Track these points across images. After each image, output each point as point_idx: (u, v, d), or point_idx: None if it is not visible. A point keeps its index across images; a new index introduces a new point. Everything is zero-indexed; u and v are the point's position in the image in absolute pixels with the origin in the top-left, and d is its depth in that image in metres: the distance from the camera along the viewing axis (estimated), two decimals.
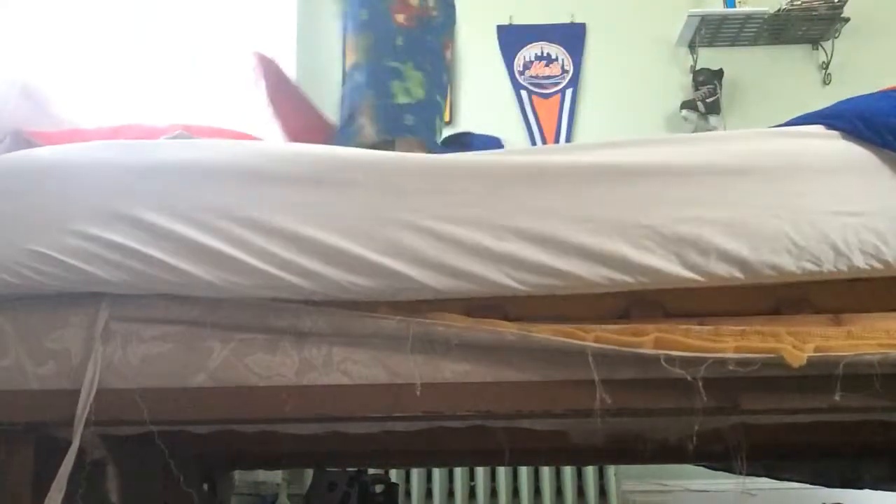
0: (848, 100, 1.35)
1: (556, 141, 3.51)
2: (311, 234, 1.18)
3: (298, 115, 1.88)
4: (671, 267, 1.19)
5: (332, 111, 1.90)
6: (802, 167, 1.25)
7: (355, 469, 2.18)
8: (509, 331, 1.18)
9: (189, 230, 1.19)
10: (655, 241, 1.19)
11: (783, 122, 1.42)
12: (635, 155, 1.25)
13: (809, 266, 1.20)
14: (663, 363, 1.13)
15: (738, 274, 1.20)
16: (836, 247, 1.20)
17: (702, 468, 2.40)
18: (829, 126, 1.28)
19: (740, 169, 1.24)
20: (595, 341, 1.16)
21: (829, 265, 1.20)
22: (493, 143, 1.92)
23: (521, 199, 1.21)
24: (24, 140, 1.39)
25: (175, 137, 1.39)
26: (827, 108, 1.34)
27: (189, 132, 1.43)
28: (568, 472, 2.90)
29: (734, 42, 3.60)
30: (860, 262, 1.21)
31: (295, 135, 1.83)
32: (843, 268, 1.21)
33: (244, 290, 1.20)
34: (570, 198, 1.21)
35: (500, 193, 1.22)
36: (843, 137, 1.27)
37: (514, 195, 1.22)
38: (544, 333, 1.17)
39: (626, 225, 1.20)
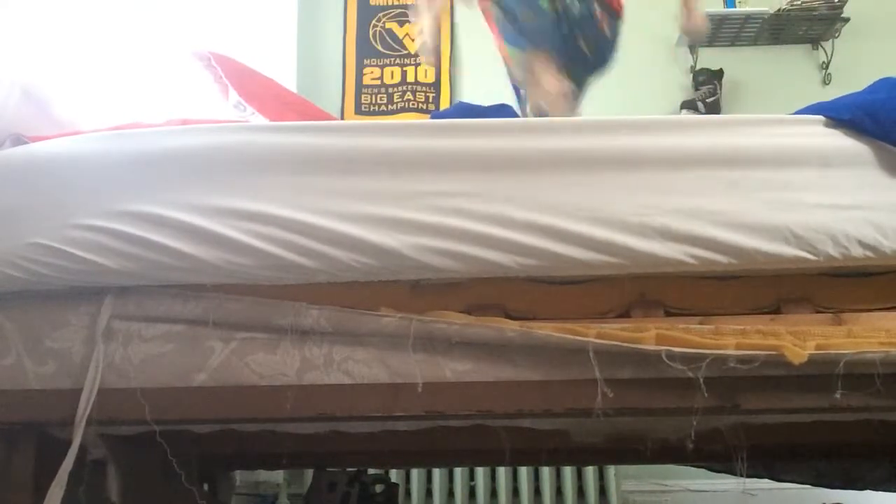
0: (850, 94, 1.35)
1: None
2: (314, 218, 1.19)
3: (271, 95, 1.90)
4: (669, 253, 1.19)
5: (332, 110, 1.91)
6: (804, 159, 1.25)
7: (355, 469, 2.18)
8: (510, 328, 1.18)
9: (192, 217, 1.19)
10: (653, 227, 1.19)
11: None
12: (636, 143, 1.25)
13: (805, 255, 1.20)
14: (664, 359, 1.13)
15: (733, 261, 1.20)
16: (835, 239, 1.20)
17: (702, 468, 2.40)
18: (832, 119, 1.28)
19: (743, 159, 1.24)
20: (596, 338, 1.16)
21: (826, 255, 1.21)
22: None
23: (516, 186, 1.22)
24: (23, 144, 1.39)
25: None
26: (829, 101, 1.34)
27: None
28: (568, 472, 2.89)
29: (734, 42, 3.60)
30: (858, 253, 1.21)
31: (274, 114, 1.84)
32: (838, 256, 1.21)
33: (250, 272, 1.20)
34: (567, 184, 1.22)
35: (497, 179, 1.22)
36: (846, 131, 1.27)
37: (512, 181, 1.22)
38: (546, 330, 1.17)
39: (625, 211, 1.20)
